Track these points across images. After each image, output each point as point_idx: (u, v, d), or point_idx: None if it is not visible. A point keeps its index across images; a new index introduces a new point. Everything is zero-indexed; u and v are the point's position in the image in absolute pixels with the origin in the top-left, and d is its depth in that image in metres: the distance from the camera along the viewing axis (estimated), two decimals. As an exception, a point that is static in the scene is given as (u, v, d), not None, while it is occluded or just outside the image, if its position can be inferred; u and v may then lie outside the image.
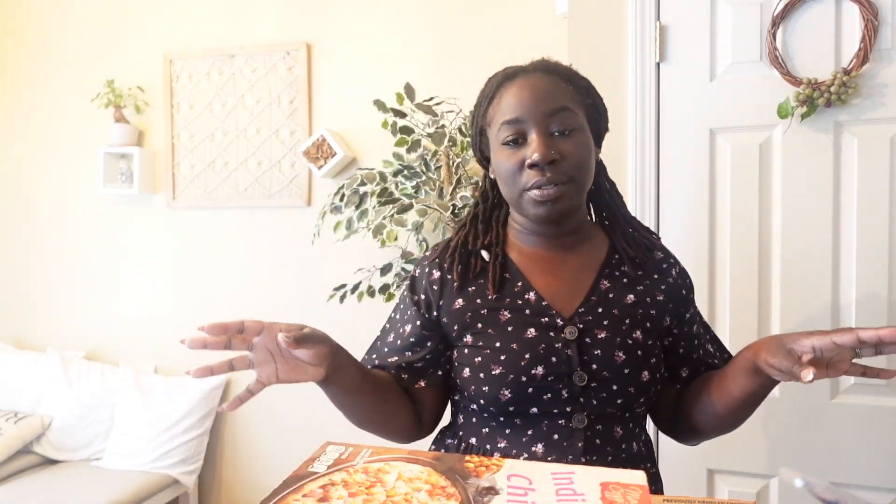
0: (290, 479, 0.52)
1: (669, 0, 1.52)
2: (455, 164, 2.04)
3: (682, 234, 1.53)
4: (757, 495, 1.47)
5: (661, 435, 1.54)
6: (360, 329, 2.41)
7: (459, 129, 2.00)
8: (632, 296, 0.91)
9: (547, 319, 0.87)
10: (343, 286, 2.11)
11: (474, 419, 0.91)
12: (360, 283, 2.09)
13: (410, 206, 1.96)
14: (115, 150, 2.61)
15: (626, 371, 0.85)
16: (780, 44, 1.45)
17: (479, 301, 0.90)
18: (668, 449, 1.53)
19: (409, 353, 0.94)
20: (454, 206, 1.94)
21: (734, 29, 1.48)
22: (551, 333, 0.86)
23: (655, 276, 0.94)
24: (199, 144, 2.60)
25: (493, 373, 0.85)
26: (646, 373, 0.87)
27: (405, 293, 0.97)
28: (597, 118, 0.93)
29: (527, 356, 0.84)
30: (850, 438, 1.42)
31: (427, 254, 0.98)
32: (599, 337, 0.86)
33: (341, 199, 2.07)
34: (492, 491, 0.51)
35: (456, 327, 0.90)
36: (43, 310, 2.84)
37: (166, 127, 2.63)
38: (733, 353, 0.99)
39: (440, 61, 2.32)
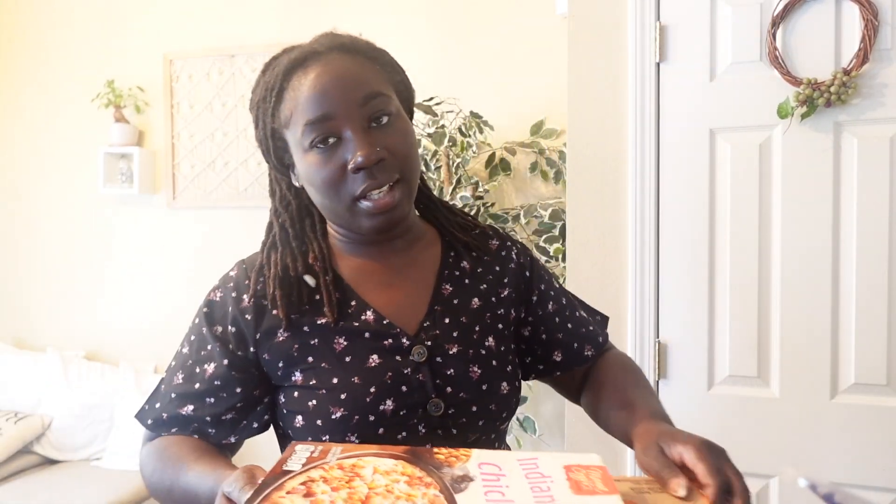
0: (267, 479, 0.52)
1: (669, 0, 1.52)
2: (455, 164, 2.04)
3: (681, 235, 1.53)
4: (757, 495, 1.47)
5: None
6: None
7: (459, 129, 2.01)
8: (476, 298, 0.79)
9: (390, 341, 0.73)
10: (343, 286, 2.11)
11: None
12: (360, 283, 2.09)
13: (410, 206, 1.96)
14: (115, 150, 2.61)
15: (483, 387, 0.75)
16: (780, 44, 1.45)
17: (306, 329, 0.74)
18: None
19: (213, 400, 0.73)
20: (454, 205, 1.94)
21: (734, 29, 1.48)
22: (398, 357, 0.72)
23: (497, 269, 0.83)
24: (199, 144, 2.60)
25: (334, 417, 0.69)
26: (504, 384, 0.76)
27: (200, 325, 0.78)
28: (407, 96, 0.79)
29: (372, 390, 0.70)
30: (850, 438, 1.42)
31: (230, 274, 0.80)
32: (451, 353, 0.74)
33: (341, 199, 2.07)
34: (466, 478, 0.53)
35: (281, 364, 0.73)
36: (43, 310, 2.84)
37: (166, 127, 2.63)
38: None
39: (440, 61, 2.32)
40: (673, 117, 1.53)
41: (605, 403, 0.80)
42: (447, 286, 0.79)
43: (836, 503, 0.47)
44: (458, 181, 2.04)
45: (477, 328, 0.78)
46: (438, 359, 0.74)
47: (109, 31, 2.73)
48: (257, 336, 0.74)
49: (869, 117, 1.39)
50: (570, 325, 0.87)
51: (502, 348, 0.79)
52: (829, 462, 1.43)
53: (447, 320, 0.76)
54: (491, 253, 0.84)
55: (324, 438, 0.71)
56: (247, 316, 0.75)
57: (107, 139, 2.67)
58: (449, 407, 0.73)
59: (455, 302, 0.78)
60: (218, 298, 0.78)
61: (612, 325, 1.59)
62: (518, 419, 2.04)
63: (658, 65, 1.54)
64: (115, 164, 2.67)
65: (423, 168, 2.06)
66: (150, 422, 0.76)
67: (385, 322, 0.74)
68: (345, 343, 0.73)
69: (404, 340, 0.73)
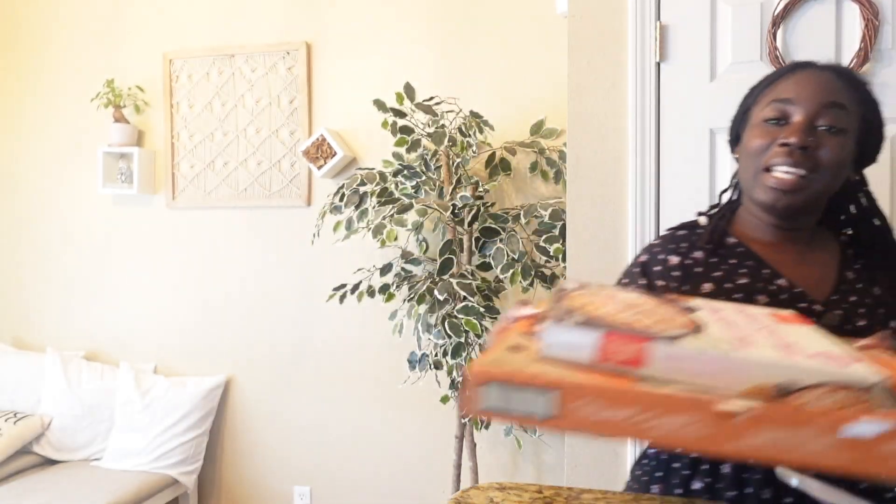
0: (557, 291, 0.65)
1: (669, 0, 1.52)
2: (455, 164, 2.04)
3: (682, 234, 1.53)
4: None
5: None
6: (359, 329, 2.41)
7: (459, 129, 2.00)
8: (877, 288, 0.87)
9: (805, 305, 0.83)
10: (343, 286, 2.11)
11: None
12: (360, 283, 2.09)
13: (410, 206, 1.96)
14: (114, 149, 2.61)
15: None
16: (780, 44, 1.44)
17: (728, 286, 0.86)
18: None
19: None
20: (454, 205, 1.94)
21: (734, 29, 1.47)
22: (813, 319, 0.80)
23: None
24: (198, 144, 2.60)
25: None
26: None
27: (627, 281, 0.93)
28: (867, 138, 0.89)
29: None
30: (850, 438, 1.42)
31: (655, 241, 0.94)
32: (860, 324, 0.82)
33: (341, 199, 2.07)
34: (694, 309, 0.65)
35: None
36: (43, 310, 2.84)
37: (166, 127, 2.63)
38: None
39: (440, 61, 2.32)
40: (673, 117, 1.52)
41: None
42: (850, 273, 0.88)
43: (827, 503, 0.47)
44: (458, 181, 2.04)
45: (881, 310, 0.85)
46: (848, 327, 0.82)
47: (109, 31, 2.72)
48: (683, 289, 0.87)
49: (869, 117, 1.39)
50: None
51: None
52: (830, 462, 1.43)
53: (853, 298, 0.85)
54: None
55: None
56: (673, 273, 0.89)
57: (106, 139, 2.67)
58: None
59: (859, 286, 0.87)
60: (646, 259, 0.93)
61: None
62: (518, 419, 2.04)
63: (658, 65, 1.54)
64: (115, 164, 2.67)
65: (423, 168, 2.06)
66: None
67: (798, 290, 0.85)
68: (766, 300, 0.84)
69: (817, 307, 0.83)
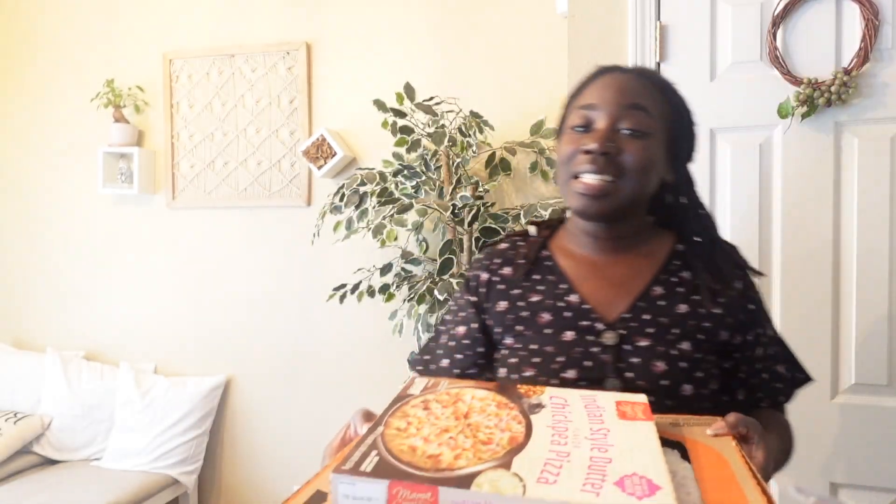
0: (395, 399, 0.68)
1: (669, 0, 1.52)
2: (455, 164, 2.04)
3: (682, 234, 1.53)
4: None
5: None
6: (359, 329, 2.41)
7: (459, 129, 2.00)
8: (685, 305, 0.84)
9: (587, 323, 0.84)
10: (343, 286, 2.11)
11: None
12: (360, 283, 2.09)
13: (410, 206, 1.96)
14: (114, 149, 2.61)
15: (662, 382, 0.80)
16: (780, 43, 1.45)
17: (520, 304, 0.88)
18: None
19: (460, 356, 0.93)
20: (454, 205, 1.94)
21: (734, 29, 1.48)
22: (589, 337, 0.83)
23: (717, 286, 0.87)
24: (198, 144, 2.60)
25: (525, 374, 0.82)
26: (688, 387, 0.80)
27: (459, 294, 0.97)
28: (677, 138, 0.88)
29: (560, 359, 0.82)
30: (850, 438, 1.42)
31: (479, 256, 0.98)
32: (640, 345, 0.82)
33: (341, 199, 2.07)
34: (539, 406, 0.67)
35: (499, 329, 0.90)
36: (43, 310, 2.84)
37: (166, 127, 2.63)
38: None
39: (440, 61, 2.32)
40: (673, 117, 1.52)
41: None
42: (658, 289, 0.86)
43: None
44: (458, 181, 2.04)
45: (676, 330, 0.83)
46: (627, 347, 0.82)
47: (109, 31, 2.72)
48: (485, 305, 0.92)
49: (869, 117, 1.39)
50: (764, 376, 0.90)
51: (697, 356, 0.83)
52: (829, 462, 1.43)
53: (646, 317, 0.84)
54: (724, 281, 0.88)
55: None
56: (481, 289, 0.93)
57: (106, 139, 2.67)
58: (627, 390, 0.79)
59: (660, 304, 0.85)
60: (470, 275, 0.96)
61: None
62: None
63: (658, 65, 1.54)
64: (115, 164, 2.67)
65: (423, 168, 2.06)
66: None
67: (585, 307, 0.85)
68: (548, 318, 0.86)
69: (599, 325, 0.83)
